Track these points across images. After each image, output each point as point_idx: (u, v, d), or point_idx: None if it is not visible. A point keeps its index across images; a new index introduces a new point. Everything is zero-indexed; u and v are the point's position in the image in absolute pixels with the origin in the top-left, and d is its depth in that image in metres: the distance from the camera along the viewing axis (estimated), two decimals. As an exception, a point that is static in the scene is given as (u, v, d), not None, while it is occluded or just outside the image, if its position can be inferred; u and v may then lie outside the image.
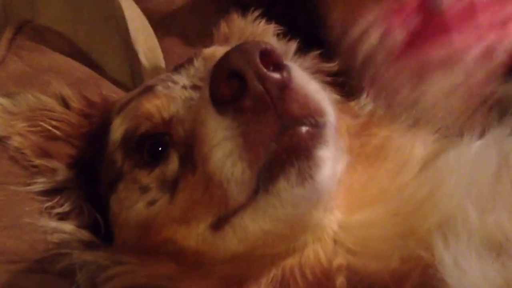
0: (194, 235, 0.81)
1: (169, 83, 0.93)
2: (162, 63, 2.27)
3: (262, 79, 0.68)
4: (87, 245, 0.92)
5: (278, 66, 0.70)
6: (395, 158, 0.91)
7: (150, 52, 2.24)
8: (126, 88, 1.48)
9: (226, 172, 0.71)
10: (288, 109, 0.69)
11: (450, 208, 0.77)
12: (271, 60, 0.69)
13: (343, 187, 0.84)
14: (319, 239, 0.80)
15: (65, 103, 1.14)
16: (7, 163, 1.08)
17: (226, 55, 0.70)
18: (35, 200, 1.01)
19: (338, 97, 1.12)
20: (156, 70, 2.25)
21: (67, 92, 1.14)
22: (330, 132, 0.73)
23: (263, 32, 1.23)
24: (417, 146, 0.94)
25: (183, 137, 0.85)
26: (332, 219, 0.81)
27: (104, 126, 1.03)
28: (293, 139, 0.69)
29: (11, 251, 0.91)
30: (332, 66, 1.19)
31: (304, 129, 0.70)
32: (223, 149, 0.70)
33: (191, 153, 0.79)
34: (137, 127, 0.91)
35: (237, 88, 0.68)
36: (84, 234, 0.94)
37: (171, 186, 0.85)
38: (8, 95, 1.15)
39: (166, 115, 0.88)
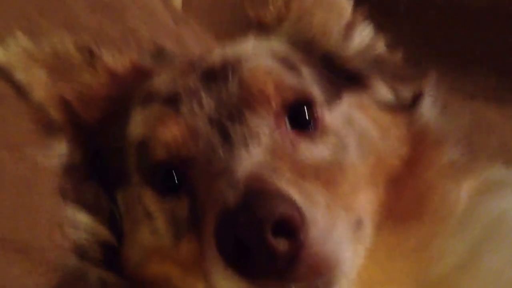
0: (196, 283, 0.79)
1: (195, 106, 0.83)
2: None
3: (270, 254, 0.63)
4: (104, 247, 0.89)
5: (294, 232, 0.64)
6: (433, 216, 0.83)
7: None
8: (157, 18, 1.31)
9: None
10: (295, 276, 0.65)
11: None
12: (287, 228, 0.63)
13: (364, 257, 0.79)
14: None
15: (92, 57, 1.03)
16: (29, 122, 1.02)
17: (234, 220, 0.64)
18: (54, 176, 0.96)
19: (392, 100, 0.96)
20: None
21: (94, 46, 1.02)
22: (340, 280, 0.69)
23: (329, 5, 1.03)
24: (462, 198, 0.84)
25: (197, 193, 0.78)
26: None
27: (125, 106, 0.94)
28: None
29: (29, 244, 0.89)
30: (397, 56, 1.02)
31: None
32: None
33: (197, 221, 0.76)
34: (153, 149, 0.84)
35: (243, 250, 0.63)
36: (103, 233, 0.90)
37: (177, 229, 0.81)
38: (29, 33, 1.04)
39: (184, 153, 0.81)
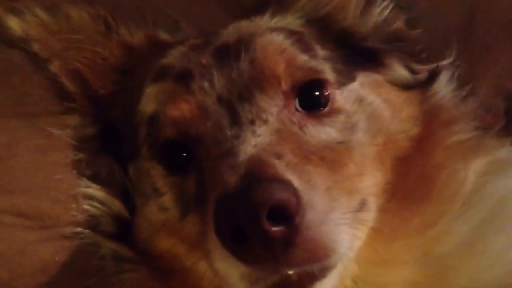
0: (200, 261, 0.81)
1: (206, 84, 0.84)
2: None
3: (265, 238, 0.65)
4: (117, 221, 0.92)
5: (289, 216, 0.65)
6: (439, 196, 0.84)
7: None
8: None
9: (228, 281, 0.72)
10: (291, 260, 0.67)
11: None
12: (283, 212, 0.65)
13: (367, 236, 0.81)
14: None
15: (108, 29, 1.05)
16: (41, 91, 1.03)
17: (232, 206, 0.66)
18: (68, 148, 0.98)
19: (408, 78, 0.97)
20: None
21: (110, 19, 1.04)
22: (337, 264, 0.73)
23: None
24: (470, 177, 0.85)
25: (203, 171, 0.80)
26: (347, 274, 0.80)
27: (139, 80, 0.96)
28: (291, 280, 0.69)
29: (45, 215, 0.91)
30: (416, 33, 1.02)
31: (305, 272, 0.69)
32: (225, 269, 0.72)
33: (203, 199, 0.77)
34: (163, 125, 0.86)
35: (240, 235, 0.66)
36: (116, 205, 0.93)
37: (184, 205, 0.84)
38: (47, 7, 1.05)
39: (193, 132, 0.83)
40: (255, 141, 0.74)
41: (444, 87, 0.96)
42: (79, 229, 0.89)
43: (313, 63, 0.87)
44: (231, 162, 0.71)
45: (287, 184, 0.67)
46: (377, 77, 0.94)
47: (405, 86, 0.96)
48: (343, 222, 0.72)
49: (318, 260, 0.69)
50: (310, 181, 0.71)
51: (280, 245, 0.65)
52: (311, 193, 0.69)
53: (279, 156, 0.72)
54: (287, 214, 0.65)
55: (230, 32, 0.94)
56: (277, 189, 0.65)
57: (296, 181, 0.68)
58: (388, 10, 1.02)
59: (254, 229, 0.64)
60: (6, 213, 0.90)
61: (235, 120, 0.79)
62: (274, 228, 0.64)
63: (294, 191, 0.66)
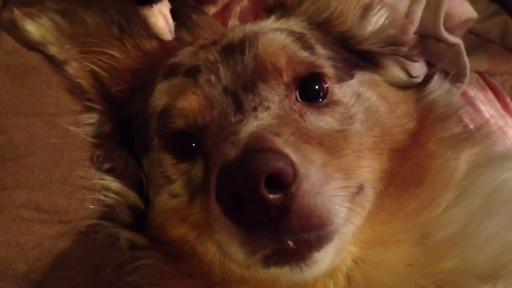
0: (209, 245, 0.84)
1: (213, 77, 0.89)
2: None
3: (262, 204, 0.67)
4: (132, 211, 0.95)
5: (286, 185, 0.68)
6: (433, 182, 0.87)
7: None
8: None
9: (229, 251, 0.74)
10: (287, 226, 0.69)
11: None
12: (279, 181, 0.67)
13: (365, 219, 0.83)
14: (331, 275, 0.82)
15: (121, 33, 1.08)
16: (60, 92, 1.07)
17: (231, 173, 0.69)
18: (85, 144, 1.02)
19: (404, 79, 1.01)
20: None
21: (124, 22, 1.08)
22: (334, 236, 0.74)
23: None
24: (460, 165, 0.88)
25: (209, 155, 0.83)
26: (347, 255, 0.82)
27: (150, 78, 1.00)
28: (289, 248, 0.71)
29: (63, 210, 0.94)
30: (411, 39, 1.06)
31: (303, 241, 0.71)
32: (226, 238, 0.73)
33: (208, 181, 0.80)
34: (173, 117, 0.90)
35: (240, 201, 0.68)
36: (130, 195, 0.96)
37: (192, 190, 0.87)
38: (62, 11, 1.09)
39: (200, 121, 0.88)
40: (256, 123, 0.78)
41: (438, 89, 0.99)
42: (95, 221, 0.92)
43: (313, 58, 0.91)
44: (232, 139, 0.75)
45: (283, 155, 0.70)
46: (375, 77, 0.98)
47: (401, 87, 0.99)
48: (338, 194, 0.73)
49: (314, 228, 0.70)
50: (307, 156, 0.74)
51: (277, 211, 0.67)
52: (307, 166, 0.72)
53: (277, 134, 0.75)
54: (284, 182, 0.67)
55: (236, 32, 0.98)
56: (274, 158, 0.68)
57: (293, 155, 0.71)
58: (384, 17, 1.05)
59: (252, 195, 0.66)
60: (25, 208, 0.93)
61: (239, 108, 0.84)
62: (271, 195, 0.66)
63: (291, 162, 0.69)
